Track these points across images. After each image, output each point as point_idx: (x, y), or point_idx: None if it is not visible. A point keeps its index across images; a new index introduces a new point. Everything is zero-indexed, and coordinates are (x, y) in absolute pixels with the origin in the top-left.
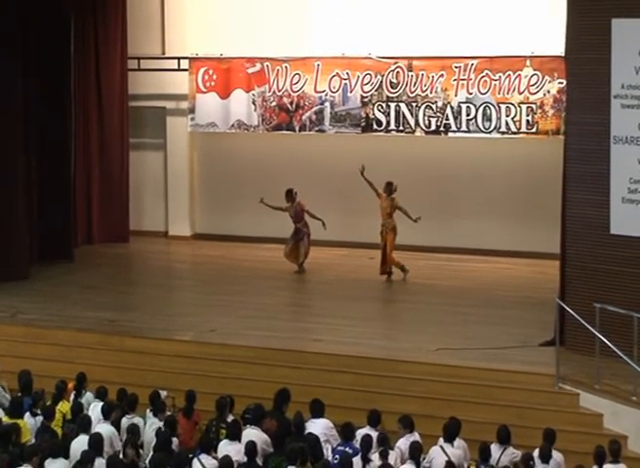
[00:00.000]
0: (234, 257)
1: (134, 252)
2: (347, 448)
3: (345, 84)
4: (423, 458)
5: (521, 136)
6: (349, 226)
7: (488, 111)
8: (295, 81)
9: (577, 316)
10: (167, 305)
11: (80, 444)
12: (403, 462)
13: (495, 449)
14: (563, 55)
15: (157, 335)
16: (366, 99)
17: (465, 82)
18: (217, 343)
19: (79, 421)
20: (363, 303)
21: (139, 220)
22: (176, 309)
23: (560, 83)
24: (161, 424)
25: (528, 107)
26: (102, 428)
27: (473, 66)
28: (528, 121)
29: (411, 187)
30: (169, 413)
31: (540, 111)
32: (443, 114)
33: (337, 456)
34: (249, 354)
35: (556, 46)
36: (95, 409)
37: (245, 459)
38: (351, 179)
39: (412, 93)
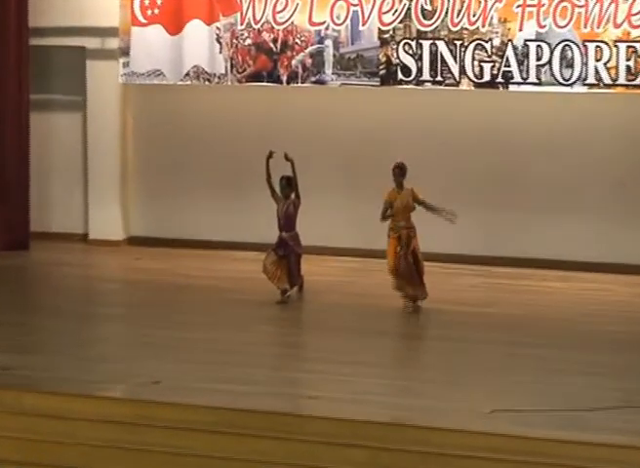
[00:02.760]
0: (188, 273)
1: (36, 264)
2: None
3: (355, 12)
4: None
5: (618, 89)
6: (360, 225)
7: (568, 53)
8: (279, 8)
9: None
10: (86, 344)
11: None
12: None
13: None
14: None
15: (72, 390)
16: (386, 36)
17: (535, 9)
18: (163, 402)
19: None
20: (380, 341)
21: (44, 218)
22: (99, 350)
23: None
24: None
25: (629, 48)
26: None
27: None
28: (628, 68)
29: (452, 167)
30: None
31: None
32: (502, 58)
33: None
34: (211, 419)
35: None
36: None
37: None
38: (364, 154)
39: (455, 26)
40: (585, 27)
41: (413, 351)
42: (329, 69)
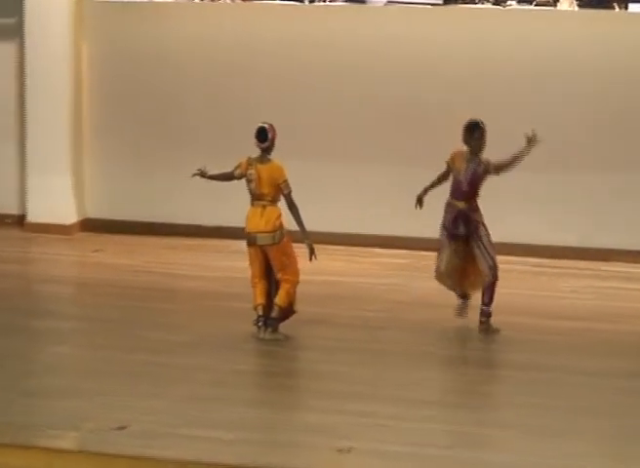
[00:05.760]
0: (165, 271)
1: None
2: None
3: None
4: None
5: None
6: (409, 205)
7: None
8: None
9: None
10: (24, 374)
11: None
12: None
13: None
14: None
15: (3, 438)
16: None
17: None
18: (128, 456)
19: None
20: (439, 371)
21: None
22: (42, 381)
23: None
24: None
25: None
26: None
27: None
28: None
29: (543, 118)
30: None
31: None
32: None
33: None
34: None
35: None
36: None
37: None
38: (417, 101)
39: None
40: None
41: (486, 385)
42: None
